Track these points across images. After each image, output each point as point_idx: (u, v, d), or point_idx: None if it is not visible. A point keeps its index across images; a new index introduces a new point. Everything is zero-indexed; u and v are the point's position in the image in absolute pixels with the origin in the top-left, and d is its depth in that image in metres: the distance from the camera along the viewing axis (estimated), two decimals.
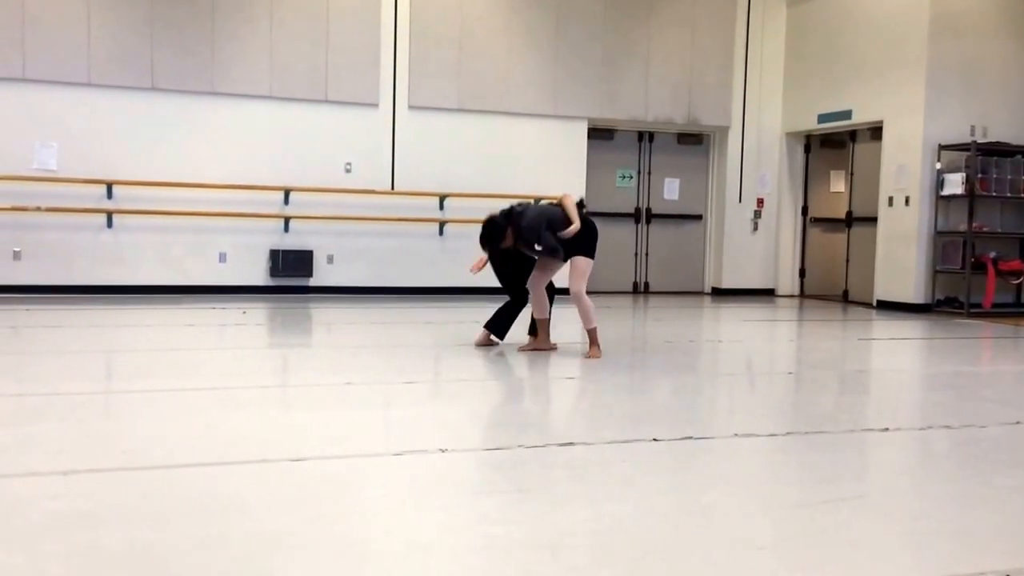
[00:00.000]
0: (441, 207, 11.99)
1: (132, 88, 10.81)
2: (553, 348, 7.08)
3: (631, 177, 13.56)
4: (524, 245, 6.81)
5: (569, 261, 6.86)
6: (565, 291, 6.98)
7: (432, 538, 2.92)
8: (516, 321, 7.23)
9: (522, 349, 7.04)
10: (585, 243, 6.84)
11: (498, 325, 7.28)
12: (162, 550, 2.73)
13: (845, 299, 13.14)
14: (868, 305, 12.22)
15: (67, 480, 3.40)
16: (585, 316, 6.86)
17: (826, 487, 3.60)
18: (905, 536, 3.09)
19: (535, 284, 6.98)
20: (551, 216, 6.77)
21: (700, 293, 13.81)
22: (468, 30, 12.05)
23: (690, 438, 4.33)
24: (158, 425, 4.42)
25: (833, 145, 13.81)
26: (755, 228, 13.76)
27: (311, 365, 6.70)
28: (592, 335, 6.90)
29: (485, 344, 7.27)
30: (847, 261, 13.28)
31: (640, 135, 13.54)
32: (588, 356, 6.82)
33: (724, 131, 13.58)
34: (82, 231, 10.69)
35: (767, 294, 13.79)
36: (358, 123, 11.69)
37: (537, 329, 7.18)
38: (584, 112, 12.68)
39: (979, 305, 11.14)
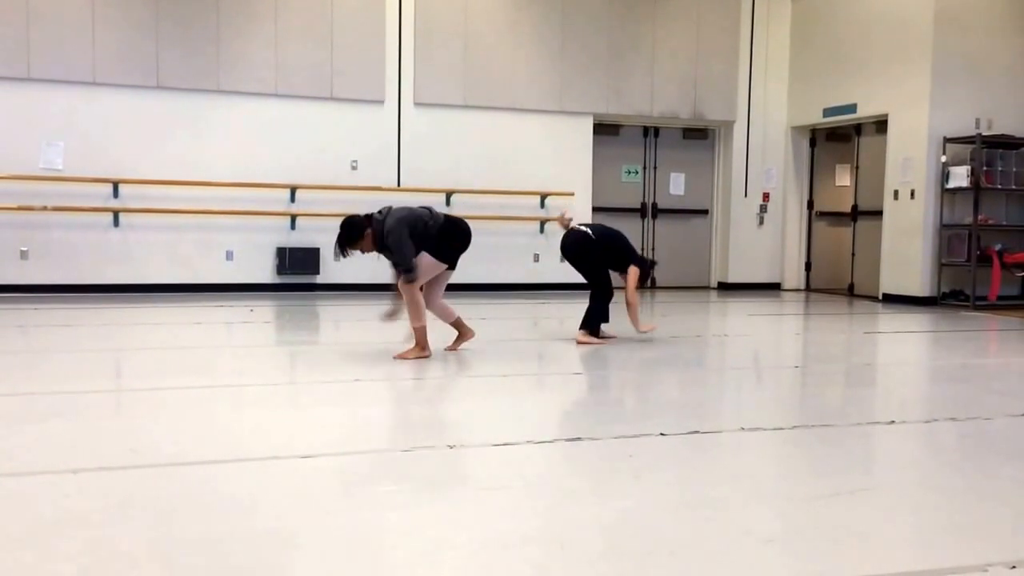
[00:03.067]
0: (448, 203, 12.00)
1: (137, 87, 10.86)
2: (426, 356, 6.41)
3: (637, 172, 13.57)
4: (386, 252, 6.35)
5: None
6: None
7: (442, 533, 2.93)
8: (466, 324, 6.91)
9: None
10: (444, 246, 6.37)
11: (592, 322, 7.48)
12: (172, 547, 2.75)
13: (851, 293, 13.14)
14: (874, 298, 12.22)
15: (77, 478, 3.42)
16: (411, 312, 6.34)
17: (833, 480, 3.61)
18: (912, 528, 3.11)
19: (421, 291, 6.44)
20: (415, 220, 6.27)
21: (706, 287, 13.81)
22: (473, 26, 12.06)
23: (697, 432, 4.34)
24: (167, 423, 4.44)
25: (838, 139, 13.81)
26: (761, 222, 13.76)
27: (319, 362, 6.71)
28: (416, 334, 6.36)
29: (586, 343, 7.34)
30: (853, 255, 13.27)
31: (646, 130, 13.55)
32: (398, 355, 6.35)
33: (730, 126, 13.58)
34: (89, 230, 10.73)
35: (773, 288, 13.80)
36: (364, 120, 11.72)
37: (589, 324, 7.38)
38: (590, 108, 12.69)
39: (984, 298, 11.15)
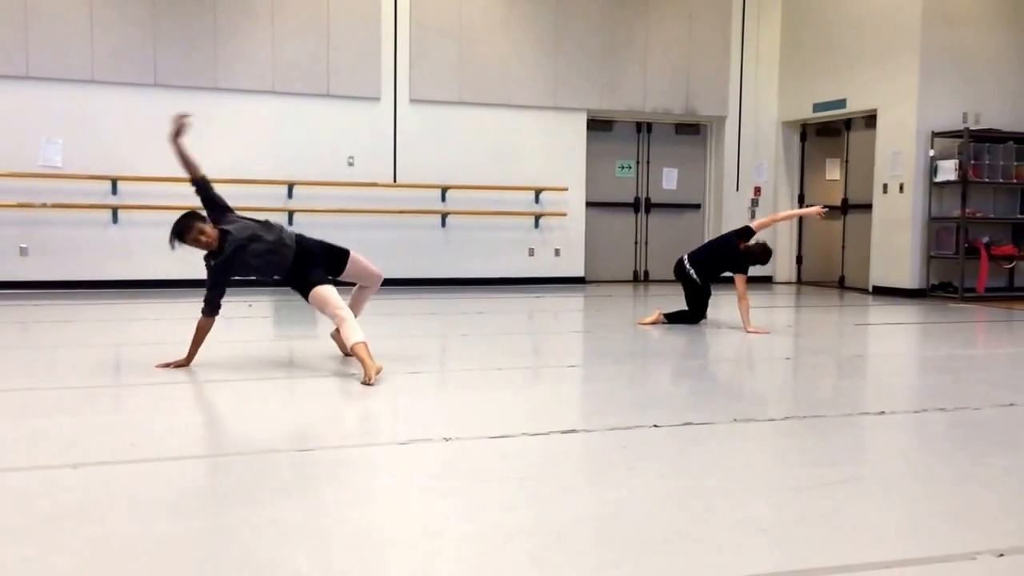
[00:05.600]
0: (443, 199, 12.07)
1: (135, 84, 10.89)
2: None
3: (630, 167, 13.63)
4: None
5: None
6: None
7: (439, 525, 2.96)
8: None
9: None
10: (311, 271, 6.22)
11: (671, 316, 8.40)
12: (172, 541, 2.76)
13: (841, 285, 13.23)
14: (864, 291, 12.31)
15: (77, 473, 3.44)
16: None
17: (824, 470, 3.66)
18: (902, 517, 3.14)
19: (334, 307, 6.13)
20: (253, 234, 6.16)
21: None
22: (468, 23, 12.11)
23: (690, 424, 4.40)
24: (166, 418, 4.48)
25: (828, 133, 13.89)
26: (752, 216, 13.82)
27: (316, 357, 6.76)
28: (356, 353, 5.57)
29: (654, 322, 8.30)
30: (843, 248, 13.37)
31: (639, 126, 13.61)
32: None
33: (721, 121, 13.65)
34: (88, 227, 10.77)
35: (765, 281, 13.86)
36: (360, 117, 11.76)
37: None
38: (583, 103, 12.75)
39: (972, 289, 11.24)
